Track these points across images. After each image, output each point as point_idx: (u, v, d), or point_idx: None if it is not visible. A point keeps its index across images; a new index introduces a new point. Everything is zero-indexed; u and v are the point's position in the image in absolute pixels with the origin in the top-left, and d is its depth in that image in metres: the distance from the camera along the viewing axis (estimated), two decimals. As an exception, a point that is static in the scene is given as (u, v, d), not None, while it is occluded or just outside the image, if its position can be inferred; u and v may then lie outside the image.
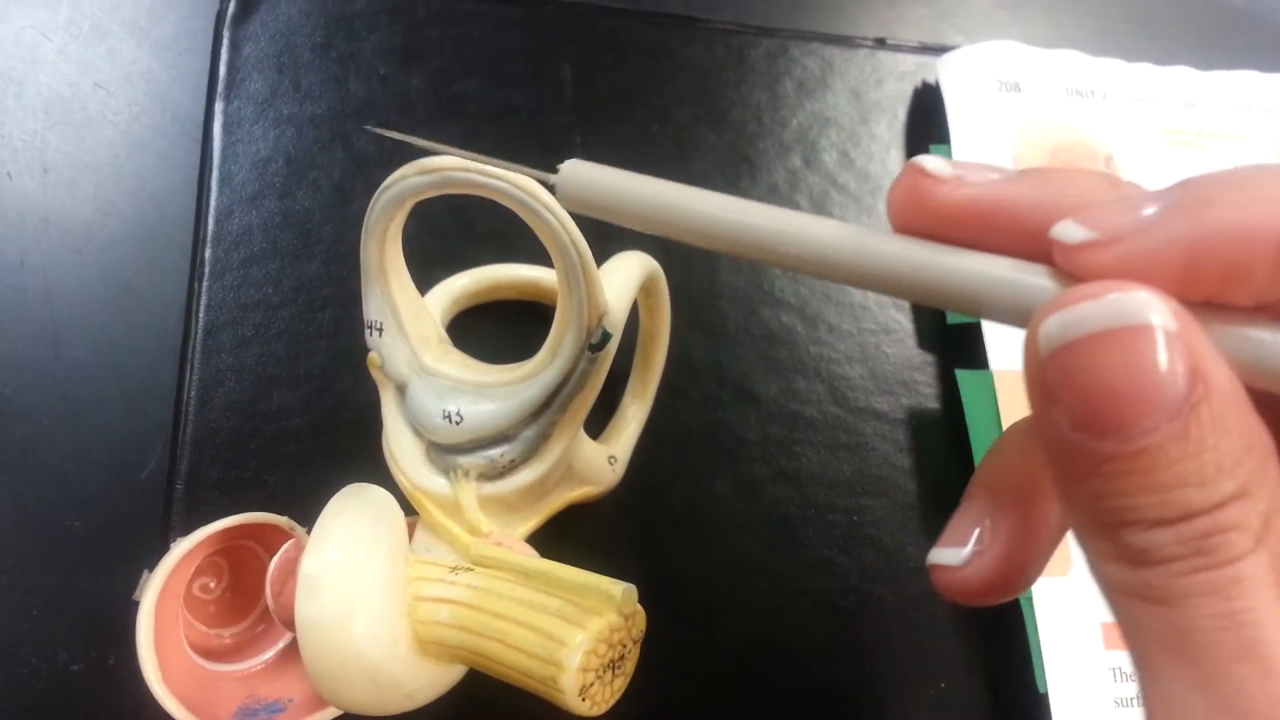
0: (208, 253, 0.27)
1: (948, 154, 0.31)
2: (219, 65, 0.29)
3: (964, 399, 0.28)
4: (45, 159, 0.28)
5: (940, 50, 0.34)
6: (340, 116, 0.29)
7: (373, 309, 0.23)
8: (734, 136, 0.32)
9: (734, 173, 0.32)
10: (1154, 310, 0.12)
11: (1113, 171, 0.31)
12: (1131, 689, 0.27)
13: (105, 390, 0.26)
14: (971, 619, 0.28)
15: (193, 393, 0.26)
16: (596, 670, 0.18)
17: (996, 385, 0.28)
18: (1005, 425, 0.28)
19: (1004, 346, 0.29)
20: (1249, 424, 0.12)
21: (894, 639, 0.28)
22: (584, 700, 0.18)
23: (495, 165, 0.19)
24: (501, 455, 0.23)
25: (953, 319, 0.30)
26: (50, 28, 0.29)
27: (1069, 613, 0.27)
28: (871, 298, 0.31)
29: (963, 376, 0.29)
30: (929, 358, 0.31)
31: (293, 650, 0.23)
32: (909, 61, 0.34)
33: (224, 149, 0.28)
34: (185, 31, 0.30)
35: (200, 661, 0.22)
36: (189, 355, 0.26)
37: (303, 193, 0.28)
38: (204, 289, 0.27)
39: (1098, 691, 0.26)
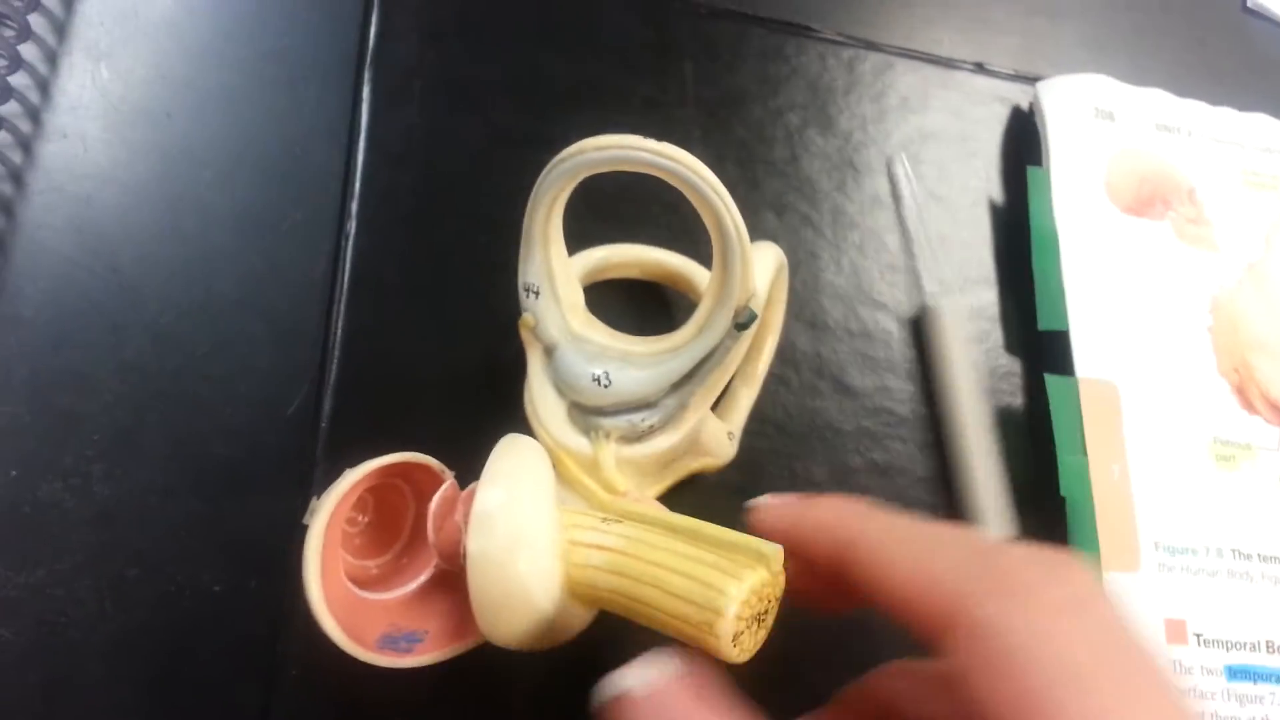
0: (354, 206, 0.28)
1: (1043, 177, 0.33)
2: (369, 33, 0.31)
3: (1051, 402, 0.30)
4: (202, 101, 0.29)
5: (1033, 79, 0.36)
6: (481, 90, 0.31)
7: (531, 272, 0.24)
8: (841, 142, 0.34)
9: (840, 177, 0.34)
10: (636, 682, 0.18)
11: (1194, 204, 0.34)
12: (1189, 681, 0.28)
13: (253, 328, 0.27)
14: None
15: (338, 337, 0.27)
16: (747, 620, 0.19)
17: (1081, 391, 0.30)
18: (1088, 430, 0.30)
19: (1090, 355, 0.31)
20: None
21: (969, 626, 0.29)
22: (735, 647, 0.19)
23: None
24: (643, 420, 0.24)
25: (1043, 325, 0.32)
26: (207, -19, 0.31)
27: (1136, 608, 0.29)
28: (964, 306, 0.33)
29: (1051, 381, 0.30)
30: (1015, 364, 0.32)
31: (431, 585, 0.24)
32: (1004, 87, 0.36)
33: (372, 112, 0.30)
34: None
35: (351, 588, 0.23)
36: (335, 302, 0.27)
37: (445, 159, 0.30)
38: (350, 241, 0.28)
39: (1161, 686, 0.28)
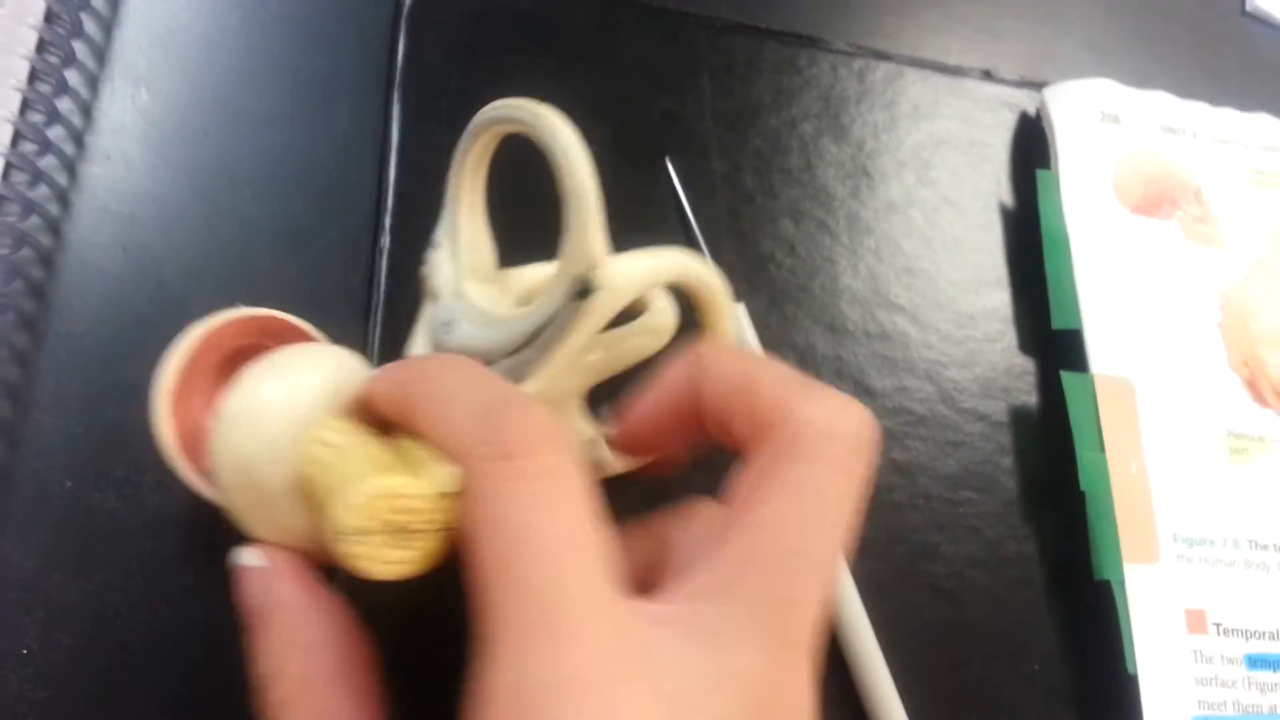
0: (388, 221, 0.29)
1: (1052, 180, 0.34)
2: (398, 55, 0.32)
3: (1068, 399, 0.31)
4: (239, 121, 0.30)
5: (1039, 85, 0.37)
6: (506, 107, 0.32)
7: (439, 228, 0.26)
8: (854, 150, 0.35)
9: (854, 184, 0.35)
10: (249, 557, 0.20)
11: (1201, 204, 0.34)
12: (1210, 669, 0.29)
13: (293, 341, 0.28)
14: (1065, 606, 0.30)
15: (376, 347, 0.28)
16: (379, 524, 0.18)
17: (1097, 387, 0.31)
18: (1105, 425, 0.31)
19: (1104, 352, 0.32)
20: (299, 629, 0.19)
21: (993, 622, 0.30)
22: (357, 545, 0.18)
23: None
24: None
25: (1057, 324, 0.32)
26: (239, 7, 0.32)
27: (1157, 599, 0.29)
28: (978, 308, 0.34)
29: (1067, 378, 0.31)
30: (1030, 364, 0.33)
31: None
32: (1012, 94, 0.37)
33: (402, 131, 0.31)
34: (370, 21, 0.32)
35: None
36: (372, 313, 0.28)
37: (473, 173, 0.31)
38: (385, 255, 0.29)
39: (1181, 672, 0.29)
